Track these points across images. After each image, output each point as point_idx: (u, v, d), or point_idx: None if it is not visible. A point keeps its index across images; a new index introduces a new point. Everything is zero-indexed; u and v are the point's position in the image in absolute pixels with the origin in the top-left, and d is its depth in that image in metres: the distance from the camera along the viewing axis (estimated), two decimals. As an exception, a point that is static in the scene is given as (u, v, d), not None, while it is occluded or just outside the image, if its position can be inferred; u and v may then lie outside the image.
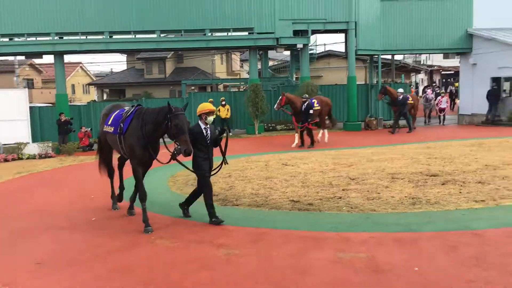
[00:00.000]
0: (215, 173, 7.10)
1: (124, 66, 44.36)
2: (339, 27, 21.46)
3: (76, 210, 8.11)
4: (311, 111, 15.20)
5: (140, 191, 6.84)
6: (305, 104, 15.20)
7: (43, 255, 5.78)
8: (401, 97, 18.71)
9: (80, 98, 46.41)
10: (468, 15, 22.73)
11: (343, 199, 7.78)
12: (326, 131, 16.69)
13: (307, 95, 16.08)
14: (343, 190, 8.44)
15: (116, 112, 7.35)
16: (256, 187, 9.09)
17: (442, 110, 22.93)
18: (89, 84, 47.00)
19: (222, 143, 7.05)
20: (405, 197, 7.68)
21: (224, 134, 6.89)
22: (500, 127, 19.49)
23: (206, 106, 6.96)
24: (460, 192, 7.79)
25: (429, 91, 23.96)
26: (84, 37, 20.00)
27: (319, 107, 15.98)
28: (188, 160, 6.87)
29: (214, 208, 6.85)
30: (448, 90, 33.33)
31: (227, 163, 7.18)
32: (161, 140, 6.92)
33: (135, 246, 5.99)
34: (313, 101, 15.91)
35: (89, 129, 19.57)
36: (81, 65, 49.50)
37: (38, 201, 9.01)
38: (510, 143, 13.57)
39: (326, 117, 16.73)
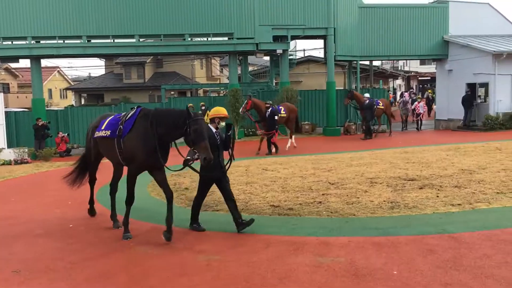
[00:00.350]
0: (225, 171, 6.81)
1: (102, 71, 43.94)
2: (318, 33, 21.67)
3: (53, 217, 7.96)
4: (276, 117, 14.89)
5: (128, 194, 6.59)
6: (269, 110, 14.85)
7: (19, 263, 5.65)
8: (367, 101, 18.66)
9: (57, 103, 45.67)
10: (444, 22, 23.19)
11: (323, 204, 7.82)
12: (293, 137, 16.47)
13: (270, 101, 15.79)
14: (322, 194, 8.48)
15: (110, 117, 6.91)
16: (236, 192, 9.04)
17: (419, 115, 23.04)
18: (67, 89, 46.33)
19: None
20: (384, 201, 7.76)
21: (231, 131, 6.62)
22: (475, 132, 19.88)
23: (221, 110, 6.74)
24: (437, 196, 7.91)
25: (406, 94, 24.16)
26: (62, 41, 19.75)
27: (285, 114, 15.73)
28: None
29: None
30: (425, 96, 33.74)
31: (234, 159, 6.93)
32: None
33: (113, 253, 5.90)
34: (280, 107, 15.73)
35: (66, 134, 19.30)
36: (58, 69, 48.75)
37: (13, 208, 8.81)
38: (485, 147, 13.85)
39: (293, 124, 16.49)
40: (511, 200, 7.46)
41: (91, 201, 7.92)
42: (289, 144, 16.24)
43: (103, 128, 6.77)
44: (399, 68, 52.30)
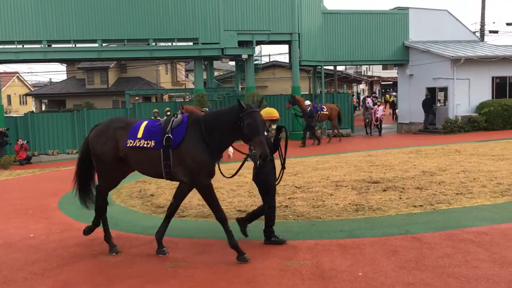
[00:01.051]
0: (278, 183, 6.31)
1: (64, 76, 42.96)
2: (283, 38, 21.88)
3: (13, 227, 7.70)
4: None
5: (219, 210, 5.83)
6: None
7: (-25, 275, 5.43)
8: (308, 109, 18.33)
9: (16, 109, 44.33)
10: (405, 28, 23.85)
11: (289, 208, 7.87)
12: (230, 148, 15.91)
13: (207, 108, 14.83)
14: (289, 199, 8.54)
15: (141, 124, 5.91)
16: (202, 198, 9.00)
17: (378, 120, 22.80)
18: (27, 95, 45.04)
19: (282, 145, 6.25)
20: (349, 204, 7.88)
21: (282, 135, 6.12)
22: (436, 135, 20.48)
23: (272, 112, 6.32)
24: (400, 198, 8.09)
25: (369, 99, 24.28)
26: (21, 46, 19.19)
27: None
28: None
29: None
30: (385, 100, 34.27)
31: (285, 168, 6.33)
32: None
33: (76, 262, 5.76)
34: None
35: (26, 141, 18.74)
36: (17, 75, 47.34)
37: (-31, 219, 8.48)
38: (445, 150, 14.27)
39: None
40: (471, 200, 7.71)
41: (108, 237, 6.21)
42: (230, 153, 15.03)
43: (139, 136, 5.79)
44: (363, 73, 53.39)
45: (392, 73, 47.99)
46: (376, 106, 23.00)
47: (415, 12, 24.10)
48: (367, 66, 52.31)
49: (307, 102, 18.94)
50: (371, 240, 6.02)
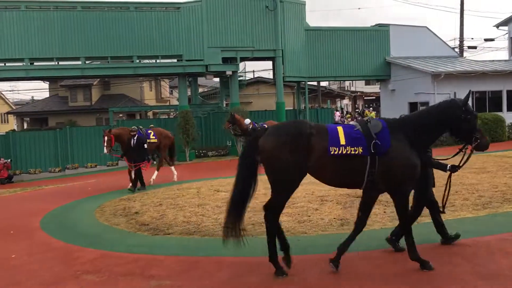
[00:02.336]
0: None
1: (46, 94, 42.53)
2: (267, 54, 22.08)
3: (-7, 248, 7.54)
4: (145, 146, 12.92)
5: (409, 221, 5.65)
6: (135, 138, 12.76)
7: (-46, 298, 5.30)
8: (250, 127, 16.55)
9: (-3, 128, 43.67)
10: (386, 44, 24.28)
11: (274, 223, 7.85)
12: (173, 167, 14.57)
13: (135, 127, 13.25)
14: (274, 214, 8.52)
15: (338, 128, 5.43)
16: (188, 214, 8.96)
17: None
18: (8, 113, 44.43)
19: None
20: (334, 218, 7.91)
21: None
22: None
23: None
24: (384, 212, 8.14)
25: (337, 113, 23.35)
26: (3, 64, 19.03)
27: (155, 140, 13.88)
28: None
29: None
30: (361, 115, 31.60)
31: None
32: None
33: (59, 283, 5.65)
34: (148, 132, 13.80)
35: (9, 160, 18.49)
36: (-1, 93, 46.78)
37: (-52, 240, 8.28)
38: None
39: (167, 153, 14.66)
40: (453, 213, 7.80)
41: (279, 268, 5.46)
42: (175, 176, 14.34)
43: (343, 143, 5.26)
44: (346, 88, 53.96)
45: (375, 88, 48.60)
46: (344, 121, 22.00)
47: (396, 29, 24.58)
48: (350, 81, 52.98)
49: (247, 121, 17.24)
50: (359, 254, 6.04)
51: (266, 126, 17.24)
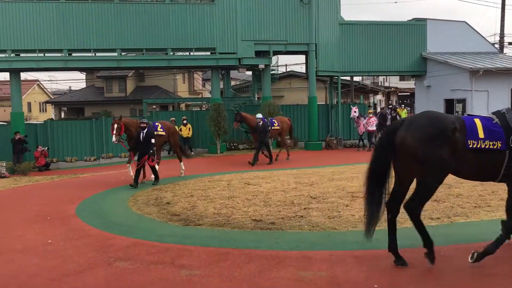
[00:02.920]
0: None
1: (83, 84, 43.58)
2: (300, 48, 21.94)
3: (31, 233, 7.82)
4: (152, 140, 12.24)
5: None
6: (144, 131, 12.15)
7: (-5, 279, 5.53)
8: (260, 123, 16.07)
9: (36, 117, 45.07)
10: (423, 39, 23.74)
11: (304, 218, 7.85)
12: (182, 163, 14.06)
13: (146, 120, 12.74)
14: (304, 209, 8.52)
15: (476, 120, 5.28)
16: (218, 206, 9.05)
17: (371, 133, 20.41)
18: (46, 102, 45.78)
19: None
20: (365, 215, 7.82)
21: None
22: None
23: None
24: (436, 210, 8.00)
25: (354, 108, 21.39)
26: (42, 55, 19.57)
27: (163, 133, 13.34)
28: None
29: None
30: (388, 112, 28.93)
31: None
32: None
33: (93, 268, 5.82)
34: (156, 124, 13.47)
35: (46, 148, 19.03)
36: (38, 82, 48.22)
37: (-10, 223, 8.63)
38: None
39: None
40: (488, 214, 7.60)
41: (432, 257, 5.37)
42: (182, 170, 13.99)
43: (482, 137, 5.11)
44: (379, 84, 53.13)
45: (409, 84, 47.67)
46: (367, 118, 20.62)
47: (433, 24, 23.98)
48: (384, 77, 52.07)
49: (259, 116, 16.54)
50: (386, 252, 5.96)
51: (275, 122, 17.08)
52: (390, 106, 23.96)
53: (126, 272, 5.64)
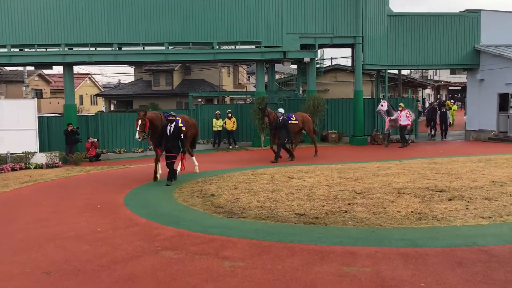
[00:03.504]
0: None
1: (132, 78, 44.75)
2: (346, 41, 21.59)
3: (82, 220, 8.13)
4: (182, 136, 11.65)
5: None
6: (172, 125, 11.50)
7: (50, 264, 5.80)
8: (281, 118, 15.31)
9: (87, 109, 46.75)
10: (476, 31, 22.81)
11: (348, 213, 7.75)
12: (194, 157, 13.59)
13: (173, 113, 11.84)
14: (349, 204, 8.41)
15: None
16: (261, 199, 9.08)
17: (403, 127, 19.71)
18: (97, 95, 47.38)
19: None
20: (411, 212, 7.65)
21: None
22: (508, 144, 19.41)
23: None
24: (467, 208, 7.75)
25: (382, 102, 20.32)
26: (94, 49, 20.23)
27: (184, 127, 12.22)
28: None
29: None
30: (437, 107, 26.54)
31: None
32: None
33: (140, 257, 5.99)
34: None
35: (96, 139, 19.69)
36: (89, 76, 49.94)
37: (44, 210, 9.04)
38: (517, 159, 13.50)
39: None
40: (543, 214, 7.25)
41: None
42: (196, 166, 13.54)
43: None
44: (429, 78, 51.58)
45: (461, 77, 46.01)
46: (398, 112, 19.90)
47: (487, 15, 22.97)
48: (434, 70, 50.47)
49: (281, 110, 15.80)
50: (434, 250, 5.81)
51: (293, 117, 16.36)
52: (439, 101, 23.17)
53: (172, 262, 5.77)
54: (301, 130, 17.11)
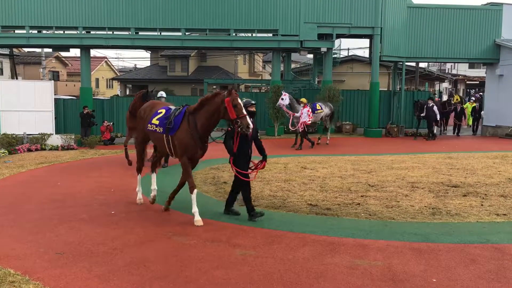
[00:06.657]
0: None
1: (148, 63, 44.86)
2: (364, 32, 21.32)
3: (96, 203, 8.21)
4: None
5: None
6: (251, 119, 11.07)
7: (63, 245, 5.87)
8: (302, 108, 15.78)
9: (103, 92, 47.03)
10: (497, 25, 22.35)
11: (361, 206, 7.73)
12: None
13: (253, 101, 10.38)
14: (361, 196, 8.38)
15: None
16: (274, 189, 9.09)
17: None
18: (113, 79, 47.59)
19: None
20: (425, 206, 7.59)
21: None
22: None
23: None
24: (481, 205, 7.67)
25: (284, 95, 17.32)
26: (111, 33, 20.26)
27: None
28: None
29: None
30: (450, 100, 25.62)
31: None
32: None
33: (152, 241, 6.04)
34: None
35: (111, 123, 19.81)
36: (106, 59, 50.17)
37: (59, 192, 9.15)
38: (534, 157, 13.29)
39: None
40: (561, 213, 7.14)
41: None
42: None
43: None
44: (446, 71, 50.86)
45: (479, 72, 45.28)
46: (301, 108, 17.18)
47: (510, 9, 22.47)
48: (452, 64, 49.72)
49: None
50: (447, 246, 5.77)
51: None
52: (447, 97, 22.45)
53: (184, 247, 5.81)
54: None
